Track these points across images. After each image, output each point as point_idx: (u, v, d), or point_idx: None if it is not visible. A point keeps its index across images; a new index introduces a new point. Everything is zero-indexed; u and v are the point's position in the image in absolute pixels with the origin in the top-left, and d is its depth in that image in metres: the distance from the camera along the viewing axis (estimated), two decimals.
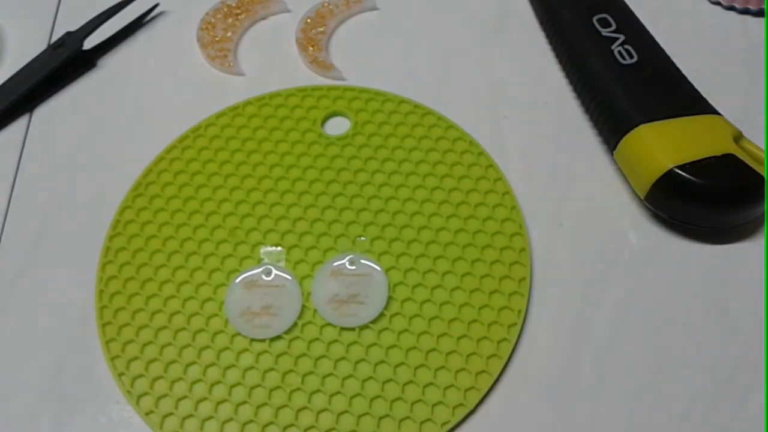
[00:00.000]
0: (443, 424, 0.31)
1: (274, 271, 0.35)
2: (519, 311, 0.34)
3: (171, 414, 0.32)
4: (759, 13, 0.44)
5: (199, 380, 0.33)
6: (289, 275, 0.35)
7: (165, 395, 0.32)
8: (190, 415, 0.32)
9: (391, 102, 0.41)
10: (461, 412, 0.32)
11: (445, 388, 0.32)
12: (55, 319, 0.35)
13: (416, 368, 0.32)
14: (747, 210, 0.35)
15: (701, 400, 0.32)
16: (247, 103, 0.41)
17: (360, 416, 0.31)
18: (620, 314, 0.34)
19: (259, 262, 0.36)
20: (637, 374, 0.33)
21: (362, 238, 0.36)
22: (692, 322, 0.34)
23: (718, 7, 0.45)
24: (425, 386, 0.32)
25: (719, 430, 0.31)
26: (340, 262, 0.35)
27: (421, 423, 0.31)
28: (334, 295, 0.34)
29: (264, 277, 0.35)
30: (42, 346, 0.34)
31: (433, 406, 0.32)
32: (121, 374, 0.33)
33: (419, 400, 0.32)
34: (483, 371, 0.32)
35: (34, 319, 0.35)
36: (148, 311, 0.34)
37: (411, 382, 0.32)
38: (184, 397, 0.32)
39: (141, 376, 0.33)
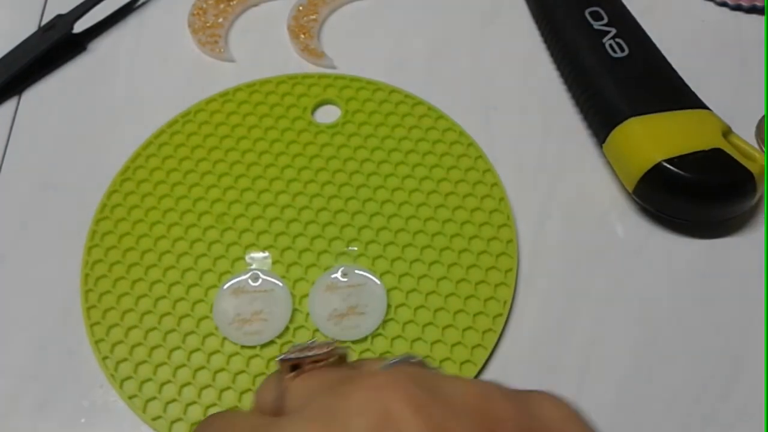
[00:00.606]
0: None
1: (262, 276, 0.34)
2: (505, 302, 0.34)
3: (160, 418, 0.31)
4: (751, 10, 0.44)
5: (189, 383, 0.32)
6: (278, 279, 0.34)
7: (153, 398, 0.32)
8: (179, 419, 0.31)
9: (382, 91, 0.41)
10: None
11: None
12: (39, 302, 0.35)
13: None
14: (734, 205, 0.35)
15: (686, 392, 0.32)
16: (237, 89, 0.41)
17: None
18: (606, 306, 0.34)
19: (247, 267, 0.35)
20: (623, 366, 0.33)
21: (352, 248, 0.35)
22: (678, 314, 0.34)
23: (710, 3, 0.45)
24: None
25: (704, 421, 0.31)
26: (333, 275, 0.34)
27: None
28: (333, 309, 0.33)
29: (251, 282, 0.34)
30: (26, 330, 0.34)
31: None
32: (111, 375, 0.32)
33: None
34: (467, 361, 0.32)
35: (19, 301, 0.35)
36: (133, 295, 0.34)
37: None
38: (173, 400, 0.32)
39: (129, 378, 0.32)
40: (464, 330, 0.33)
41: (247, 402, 0.31)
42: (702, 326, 0.34)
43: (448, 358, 0.32)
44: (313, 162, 0.38)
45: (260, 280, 0.34)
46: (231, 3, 0.45)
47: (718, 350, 0.33)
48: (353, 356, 0.32)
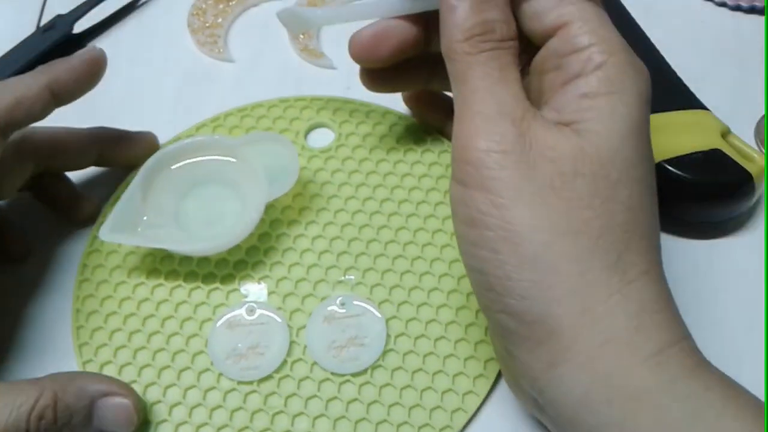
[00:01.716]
0: None
1: (257, 309, 0.33)
2: None
3: None
4: (750, 10, 0.45)
5: (185, 422, 0.31)
6: (274, 312, 0.33)
7: None
8: None
9: (376, 113, 0.40)
10: None
11: (441, 429, 0.31)
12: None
13: (411, 408, 0.31)
14: (733, 205, 0.35)
15: None
16: (228, 114, 0.40)
17: None
18: None
19: (242, 299, 0.34)
20: None
21: (350, 277, 0.35)
22: None
23: (709, 3, 0.45)
24: (420, 427, 0.31)
25: None
26: (330, 307, 0.33)
27: None
28: (332, 341, 0.32)
29: (246, 315, 0.33)
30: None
31: None
32: None
33: None
34: (470, 391, 0.32)
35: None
36: (126, 331, 0.33)
37: (405, 423, 0.31)
38: None
39: None
40: (466, 359, 0.32)
41: None
42: (701, 327, 0.33)
43: (450, 389, 0.32)
44: (307, 188, 0.37)
45: (256, 314, 0.33)
46: (230, 3, 0.45)
47: (718, 351, 0.32)
48: (354, 390, 0.32)
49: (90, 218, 0.37)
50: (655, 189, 0.26)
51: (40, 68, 0.32)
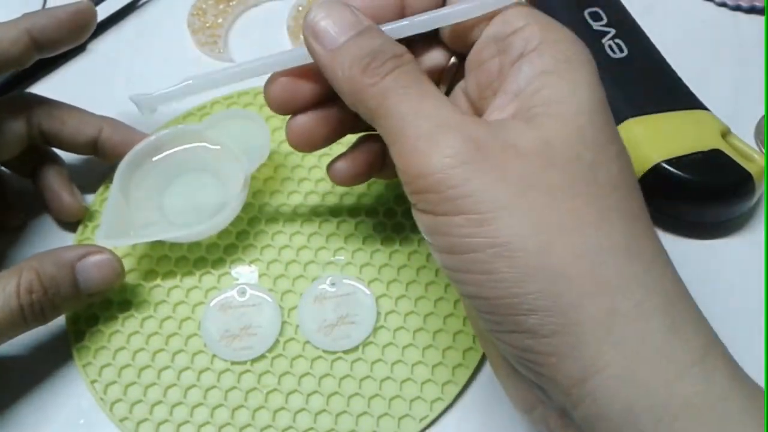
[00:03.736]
0: None
1: (249, 291, 0.34)
2: None
3: None
4: (750, 10, 0.45)
5: (180, 403, 0.32)
6: (265, 293, 0.34)
7: (145, 420, 0.31)
8: None
9: None
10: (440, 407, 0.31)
11: (432, 402, 0.31)
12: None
13: (402, 382, 0.32)
14: (733, 206, 0.35)
15: None
16: (215, 101, 0.40)
17: None
18: None
19: (233, 282, 0.34)
20: None
21: (339, 258, 0.35)
22: None
23: (709, 3, 0.45)
24: (412, 400, 0.31)
25: None
26: (321, 286, 0.34)
27: None
28: (323, 320, 0.33)
29: (238, 297, 0.34)
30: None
31: (421, 419, 0.31)
32: (100, 399, 0.32)
33: (406, 415, 0.31)
34: (460, 364, 0.32)
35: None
36: (119, 316, 0.34)
37: (397, 396, 0.31)
38: (165, 421, 0.31)
39: (119, 400, 0.32)
40: (455, 333, 0.33)
41: (240, 418, 0.31)
42: None
43: (440, 363, 0.32)
44: (295, 172, 0.38)
45: (247, 295, 0.34)
46: (231, 3, 0.45)
47: None
48: (346, 367, 0.32)
49: (75, 219, 0.37)
50: (632, 167, 0.24)
51: (23, 15, 0.32)
